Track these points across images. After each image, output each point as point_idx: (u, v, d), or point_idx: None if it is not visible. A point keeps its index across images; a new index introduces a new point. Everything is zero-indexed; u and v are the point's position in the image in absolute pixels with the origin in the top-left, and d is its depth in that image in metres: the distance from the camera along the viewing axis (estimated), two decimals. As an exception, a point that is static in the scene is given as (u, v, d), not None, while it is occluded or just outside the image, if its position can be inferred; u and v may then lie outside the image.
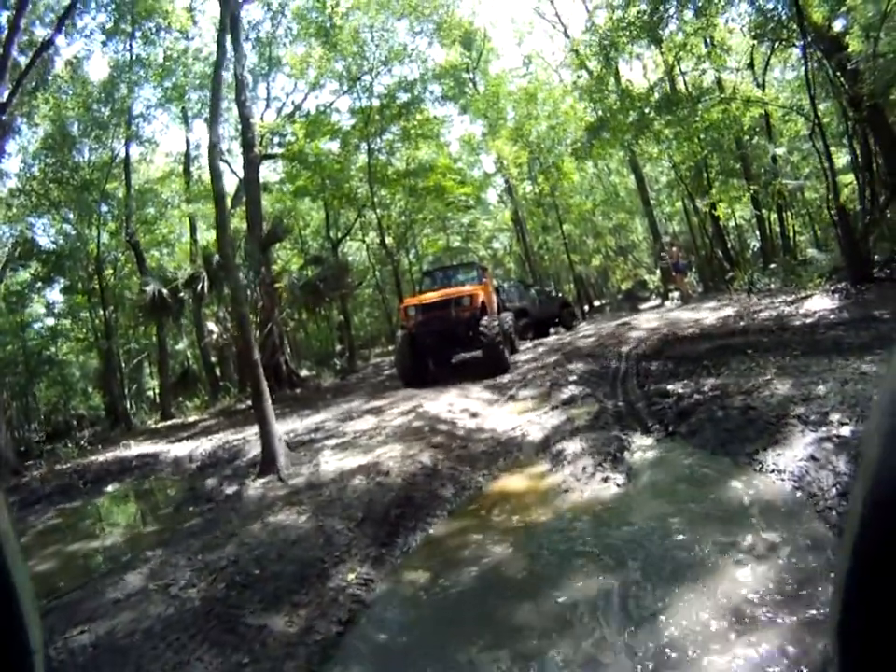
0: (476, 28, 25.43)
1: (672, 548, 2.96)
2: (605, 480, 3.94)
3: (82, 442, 14.44)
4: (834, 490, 3.07)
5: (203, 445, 9.26)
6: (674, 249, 18.61)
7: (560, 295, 22.62)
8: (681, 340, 8.33)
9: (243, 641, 2.82)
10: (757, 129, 17.10)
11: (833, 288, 9.60)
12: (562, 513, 3.70)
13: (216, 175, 6.13)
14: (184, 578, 3.45)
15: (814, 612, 2.21)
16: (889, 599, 0.43)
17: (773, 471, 3.48)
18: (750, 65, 16.60)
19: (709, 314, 11.01)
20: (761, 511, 3.12)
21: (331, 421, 8.14)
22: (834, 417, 3.66)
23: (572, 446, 4.66)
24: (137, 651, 2.77)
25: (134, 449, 10.78)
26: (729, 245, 21.97)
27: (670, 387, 5.60)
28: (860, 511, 0.46)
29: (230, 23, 17.10)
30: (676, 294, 19.74)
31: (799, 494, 3.19)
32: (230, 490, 6.04)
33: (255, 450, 7.47)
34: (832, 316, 7.56)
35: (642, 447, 4.44)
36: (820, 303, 8.82)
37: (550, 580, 2.98)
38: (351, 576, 3.32)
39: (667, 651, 2.21)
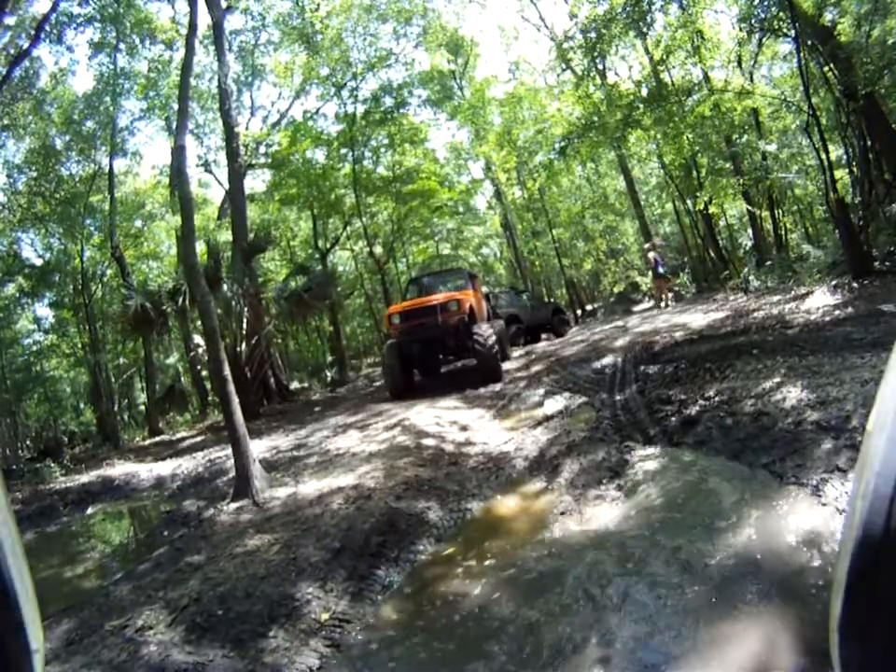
0: (463, 35, 25.27)
1: (681, 588, 2.58)
2: (604, 499, 3.56)
3: (66, 462, 14.14)
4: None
5: (187, 464, 9.05)
6: (650, 255, 18.47)
7: (552, 301, 22.38)
8: (680, 342, 8.00)
9: (198, 696, 2.45)
10: (746, 126, 16.91)
11: (834, 284, 9.32)
12: (559, 543, 3.29)
13: (182, 179, 5.79)
14: (141, 618, 3.12)
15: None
16: (889, 598, 0.43)
17: (794, 483, 3.13)
18: (738, 62, 16.44)
19: (706, 314, 10.73)
20: (792, 530, 2.76)
21: (316, 436, 7.77)
22: (856, 422, 3.32)
23: (569, 462, 4.26)
24: None
25: (118, 468, 10.59)
26: (721, 245, 21.83)
27: (672, 393, 5.24)
28: (860, 510, 0.45)
29: (214, 32, 16.95)
30: (670, 296, 19.50)
31: (824, 507, 2.84)
32: (206, 513, 5.69)
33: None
34: (836, 312, 7.24)
35: (645, 460, 4.05)
36: (822, 300, 8.53)
37: (544, 626, 2.60)
38: (325, 616, 2.93)
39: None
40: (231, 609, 3.03)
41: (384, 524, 3.70)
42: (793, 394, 3.99)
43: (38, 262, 21.92)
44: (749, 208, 19.45)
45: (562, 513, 3.56)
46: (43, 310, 25.64)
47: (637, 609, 2.49)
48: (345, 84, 19.86)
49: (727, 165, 19.90)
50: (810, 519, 2.80)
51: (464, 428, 6.44)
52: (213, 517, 4.92)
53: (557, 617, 2.62)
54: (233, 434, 5.16)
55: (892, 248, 9.96)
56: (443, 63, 23.76)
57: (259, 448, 7.21)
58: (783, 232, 18.59)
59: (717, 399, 4.54)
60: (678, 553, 2.83)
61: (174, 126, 22.25)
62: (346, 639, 2.80)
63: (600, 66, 16.97)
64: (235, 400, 5.21)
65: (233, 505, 4.88)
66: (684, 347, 7.49)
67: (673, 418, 4.58)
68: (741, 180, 16.39)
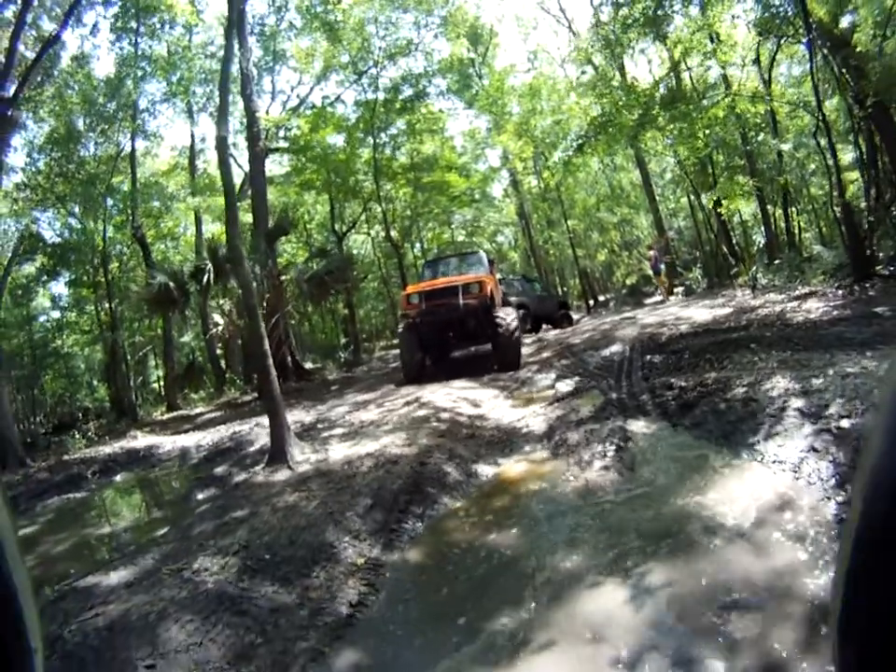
0: (482, 24, 25.41)
1: (663, 534, 3.04)
2: (606, 468, 4.03)
3: (90, 433, 14.60)
4: (833, 480, 3.15)
5: (210, 436, 9.38)
6: (651, 252, 18.91)
7: (559, 295, 22.63)
8: (684, 335, 8.41)
9: (255, 622, 2.89)
10: (763, 125, 17.06)
11: (836, 285, 9.66)
12: (562, 500, 3.81)
13: (225, 170, 6.22)
14: (196, 562, 3.51)
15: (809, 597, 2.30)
16: (889, 598, 0.43)
17: (774, 462, 3.56)
18: (756, 61, 16.60)
19: (712, 309, 11.07)
20: (758, 498, 3.19)
21: (337, 412, 8.25)
22: (834, 410, 3.73)
23: (576, 436, 4.74)
24: (151, 631, 2.81)
25: (141, 440, 10.91)
26: (734, 241, 21.99)
27: (673, 380, 5.66)
28: (860, 509, 0.46)
29: (230, 16, 17.21)
30: (680, 290, 19.87)
31: (799, 482, 3.27)
32: (238, 479, 6.16)
33: (262, 440, 7.59)
34: (835, 313, 7.62)
35: (645, 437, 4.51)
36: (824, 300, 8.89)
37: (545, 563, 3.08)
38: (361, 560, 3.40)
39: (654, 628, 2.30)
40: (277, 553, 3.49)
41: (410, 484, 4.19)
42: (781, 384, 4.40)
43: (57, 241, 22.27)
44: (762, 207, 19.66)
45: (566, 479, 4.04)
46: (59, 288, 26.09)
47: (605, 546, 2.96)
48: (366, 71, 20.14)
49: (742, 162, 20.09)
50: (783, 489, 3.24)
51: (478, 406, 6.92)
52: (250, 479, 5.42)
53: (547, 555, 3.14)
54: (271, 403, 5.64)
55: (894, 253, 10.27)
56: (463, 53, 23.90)
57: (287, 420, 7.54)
58: (797, 231, 18.80)
59: (713, 386, 4.96)
60: (658, 517, 3.29)
61: (194, 109, 22.69)
62: (380, 580, 3.26)
63: (620, 62, 17.20)
64: (273, 373, 5.69)
65: (269, 468, 5.37)
66: (688, 339, 7.90)
67: (673, 402, 5.01)
68: (752, 181, 16.55)
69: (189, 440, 9.60)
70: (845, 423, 3.54)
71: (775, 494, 3.21)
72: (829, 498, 3.01)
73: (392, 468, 4.47)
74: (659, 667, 2.11)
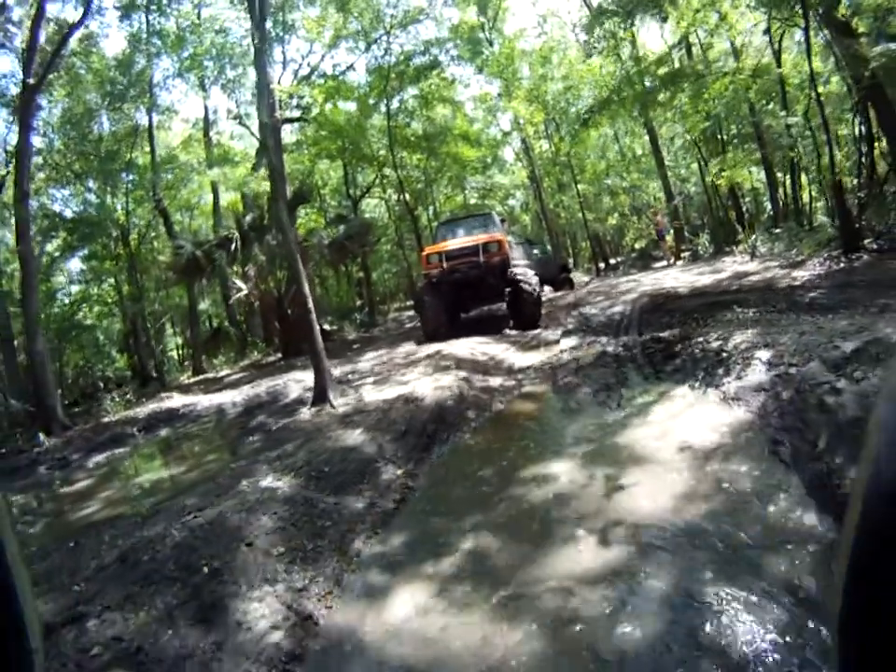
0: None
1: (637, 451, 3.95)
2: (600, 404, 4.92)
3: (128, 396, 15.13)
4: (776, 412, 3.99)
5: (243, 393, 9.86)
6: (658, 217, 19.64)
7: (560, 258, 23.03)
8: (681, 296, 9.21)
9: (323, 513, 3.79)
10: (773, 94, 17.27)
11: (825, 256, 10.34)
12: (553, 427, 4.80)
13: (273, 151, 6.95)
14: (269, 476, 4.38)
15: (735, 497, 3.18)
16: (889, 598, 0.43)
17: (733, 398, 4.41)
18: (767, 31, 16.82)
19: (712, 274, 11.82)
20: (717, 426, 4.06)
21: (364, 365, 9.14)
22: (786, 360, 4.55)
23: (574, 379, 5.65)
24: (244, 522, 3.57)
25: (177, 399, 11.37)
26: (745, 208, 22.32)
27: (663, 335, 6.50)
28: (860, 509, 0.46)
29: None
30: (687, 254, 20.54)
31: (750, 415, 4.12)
32: (281, 423, 7.02)
33: (294, 393, 8.42)
34: (816, 281, 8.37)
35: (632, 381, 5.39)
36: (811, 269, 9.61)
37: (540, 463, 4.02)
38: (399, 471, 4.32)
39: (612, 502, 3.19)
40: (333, 467, 4.39)
41: (436, 417, 5.12)
42: (749, 338, 5.22)
43: (76, 217, 22.60)
44: (769, 176, 20.04)
45: (566, 414, 4.95)
46: (73, 263, 26.42)
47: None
48: (377, 40, 20.43)
49: (750, 131, 20.40)
50: (733, 419, 4.12)
51: (493, 357, 7.89)
52: (297, 419, 6.35)
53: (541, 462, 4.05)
54: (314, 353, 6.54)
55: (884, 228, 10.85)
56: (472, 17, 23.94)
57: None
58: (808, 201, 19.15)
59: (694, 339, 5.80)
60: (629, 436, 4.19)
61: (207, 84, 22.87)
62: (416, 484, 4.19)
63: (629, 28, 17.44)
64: (317, 327, 6.57)
65: (313, 409, 6.30)
66: (683, 301, 8.72)
67: (659, 354, 5.87)
68: (755, 151, 16.89)
69: (224, 397, 10.13)
70: (792, 370, 4.36)
71: (727, 420, 4.09)
72: (768, 425, 3.86)
73: (420, 403, 5.39)
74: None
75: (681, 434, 4.04)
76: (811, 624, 2.05)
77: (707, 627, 2.15)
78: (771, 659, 1.94)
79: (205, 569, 2.88)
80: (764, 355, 4.77)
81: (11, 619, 0.52)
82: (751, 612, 2.17)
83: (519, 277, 9.90)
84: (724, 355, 5.07)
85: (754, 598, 2.25)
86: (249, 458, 5.26)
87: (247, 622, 2.60)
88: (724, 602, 2.25)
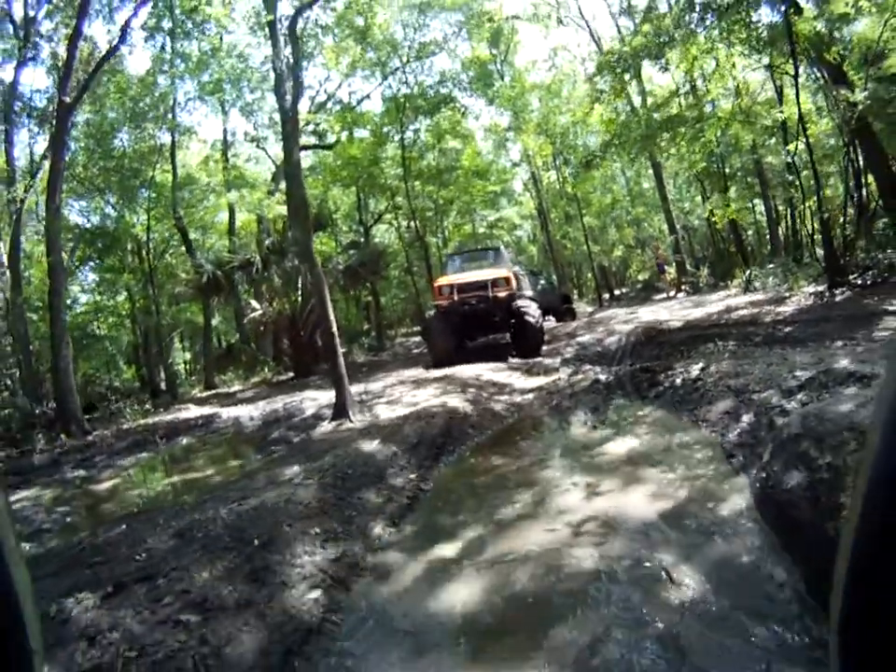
0: (503, 18, 26.25)
1: (615, 462, 4.62)
2: (584, 423, 5.62)
3: (147, 406, 15.54)
4: (736, 432, 4.65)
5: (260, 408, 10.36)
6: (660, 251, 20.89)
7: (564, 290, 23.62)
8: (671, 330, 9.92)
9: (349, 505, 4.46)
10: (774, 129, 17.87)
11: (811, 291, 11.01)
12: (548, 441, 5.49)
13: (297, 183, 7.71)
14: (300, 476, 5.06)
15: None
16: (889, 598, 0.44)
17: (703, 420, 5.09)
18: (769, 66, 17.61)
19: (705, 307, 12.51)
20: (685, 444, 4.73)
21: (376, 386, 9.82)
22: (751, 387, 5.22)
23: (568, 403, 6.36)
24: (283, 510, 4.29)
25: (194, 411, 11.92)
26: (746, 242, 22.99)
27: (651, 365, 7.19)
28: (860, 509, 0.46)
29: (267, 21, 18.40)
30: (686, 287, 21.30)
31: (714, 434, 4.79)
32: (300, 436, 7.68)
33: (310, 410, 9.04)
34: (798, 315, 9.05)
35: (619, 405, 6.09)
36: (796, 304, 10.28)
37: (532, 472, 4.68)
38: (412, 476, 5.00)
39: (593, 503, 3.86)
40: (356, 470, 5.05)
41: (444, 431, 5.82)
42: (723, 368, 5.91)
43: (95, 230, 23.29)
44: (767, 212, 20.86)
45: (554, 429, 5.64)
46: (90, 274, 27.11)
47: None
48: (394, 72, 21.41)
49: (751, 167, 21.23)
50: (700, 436, 4.78)
51: (497, 382, 8.57)
52: (317, 432, 7.04)
53: (534, 470, 4.70)
54: (336, 372, 7.24)
55: (868, 264, 11.50)
56: (484, 51, 24.85)
57: (328, 396, 8.42)
58: (810, 233, 19.77)
59: (677, 369, 6.48)
60: (612, 452, 4.86)
61: (226, 107, 23.77)
62: (426, 486, 4.87)
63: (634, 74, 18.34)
64: (339, 349, 7.27)
65: (333, 423, 7.00)
66: (673, 334, 9.43)
67: (645, 382, 6.55)
68: (755, 185, 17.63)
69: (241, 411, 10.57)
70: (755, 396, 5.03)
71: (695, 438, 4.77)
72: (728, 441, 4.52)
73: (431, 420, 6.09)
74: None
75: (653, 450, 4.71)
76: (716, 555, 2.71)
77: (648, 564, 2.84)
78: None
79: (256, 542, 3.55)
80: (734, 383, 5.45)
81: (11, 620, 0.52)
82: (684, 562, 2.84)
83: (523, 309, 10.53)
84: (700, 383, 5.75)
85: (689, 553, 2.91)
86: (278, 463, 5.93)
87: (292, 582, 3.27)
88: (665, 563, 2.92)
